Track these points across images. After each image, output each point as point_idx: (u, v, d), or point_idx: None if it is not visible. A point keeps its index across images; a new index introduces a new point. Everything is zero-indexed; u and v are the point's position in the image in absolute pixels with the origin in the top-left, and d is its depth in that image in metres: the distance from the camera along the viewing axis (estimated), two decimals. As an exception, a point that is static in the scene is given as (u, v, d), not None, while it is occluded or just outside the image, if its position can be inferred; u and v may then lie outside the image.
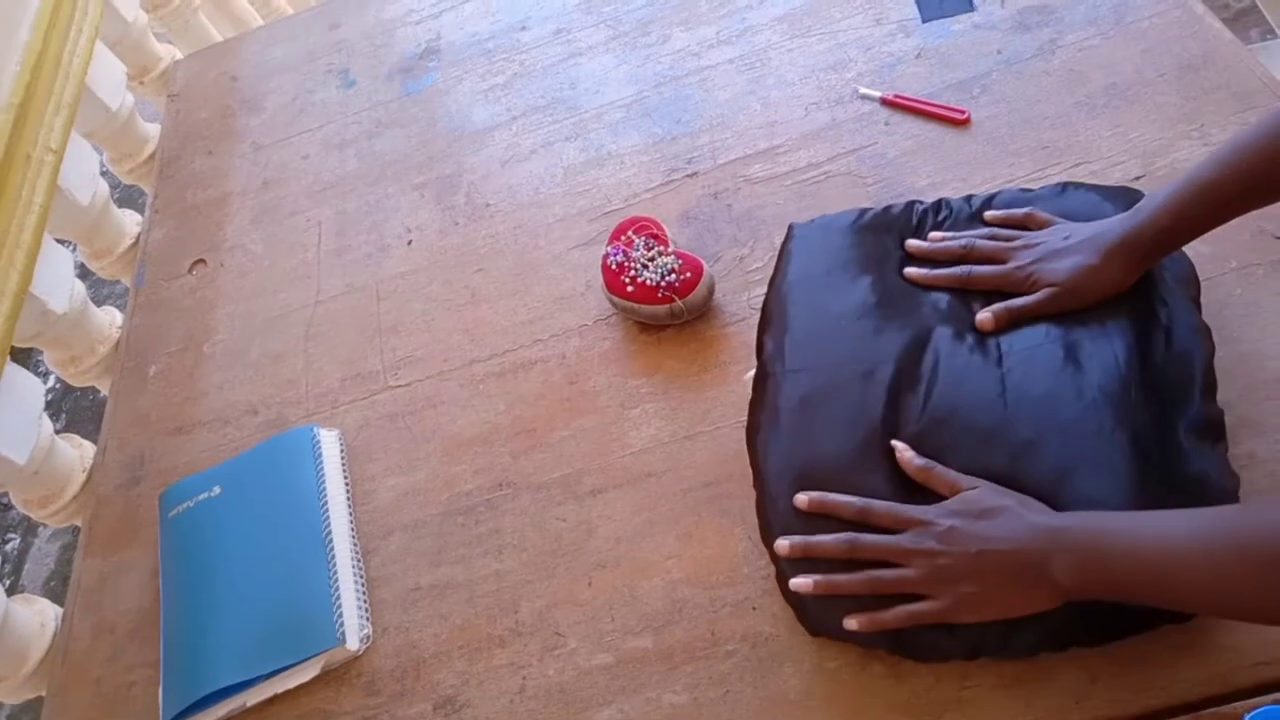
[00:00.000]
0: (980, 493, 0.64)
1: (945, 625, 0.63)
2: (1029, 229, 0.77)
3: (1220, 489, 0.63)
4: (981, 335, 0.73)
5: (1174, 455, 0.65)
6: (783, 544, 0.68)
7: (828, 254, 0.80)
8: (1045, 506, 0.63)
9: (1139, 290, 0.71)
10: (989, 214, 0.79)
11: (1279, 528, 0.51)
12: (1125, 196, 0.77)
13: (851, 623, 0.65)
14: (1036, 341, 0.71)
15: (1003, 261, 0.74)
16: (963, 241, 0.77)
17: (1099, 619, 0.61)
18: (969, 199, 0.82)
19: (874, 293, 0.77)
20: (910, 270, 0.77)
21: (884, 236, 0.81)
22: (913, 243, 0.79)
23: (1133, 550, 0.57)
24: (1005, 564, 0.60)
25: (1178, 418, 0.66)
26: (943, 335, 0.73)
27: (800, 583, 0.67)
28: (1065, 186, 0.80)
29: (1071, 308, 0.71)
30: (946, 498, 0.65)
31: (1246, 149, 0.65)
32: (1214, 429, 0.66)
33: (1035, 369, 0.69)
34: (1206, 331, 0.70)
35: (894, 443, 0.69)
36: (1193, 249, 0.80)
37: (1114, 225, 0.70)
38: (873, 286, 0.77)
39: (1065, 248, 0.72)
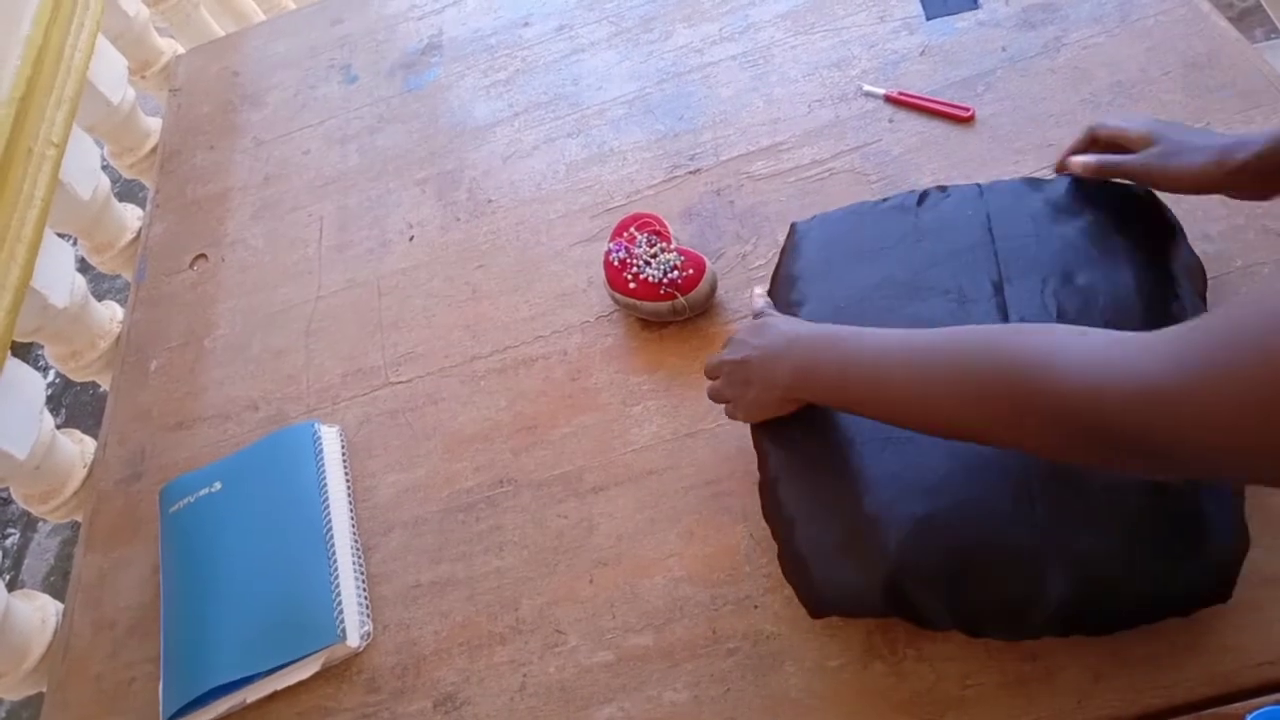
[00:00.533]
0: (765, 314, 0.74)
1: (948, 602, 0.63)
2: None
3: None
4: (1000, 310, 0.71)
5: None
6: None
7: (834, 244, 0.80)
8: (808, 323, 0.71)
9: (1154, 278, 0.70)
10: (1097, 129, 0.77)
11: (981, 343, 0.55)
12: (1126, 197, 0.76)
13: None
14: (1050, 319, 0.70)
15: (1134, 149, 0.73)
16: (1110, 130, 0.76)
17: (1102, 608, 0.61)
18: (974, 184, 0.81)
19: (885, 273, 0.76)
20: (1073, 159, 0.76)
21: (888, 221, 0.80)
22: (1076, 158, 0.77)
23: (850, 357, 0.63)
24: (756, 369, 0.69)
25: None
26: (954, 311, 0.72)
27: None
28: (1075, 181, 0.78)
29: (1154, 182, 0.72)
30: None
31: None
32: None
33: None
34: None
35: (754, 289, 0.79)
36: (1198, 247, 0.79)
37: (1230, 138, 0.69)
38: (883, 268, 0.76)
39: (1194, 147, 0.70)
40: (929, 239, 0.77)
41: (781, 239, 0.90)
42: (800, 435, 0.71)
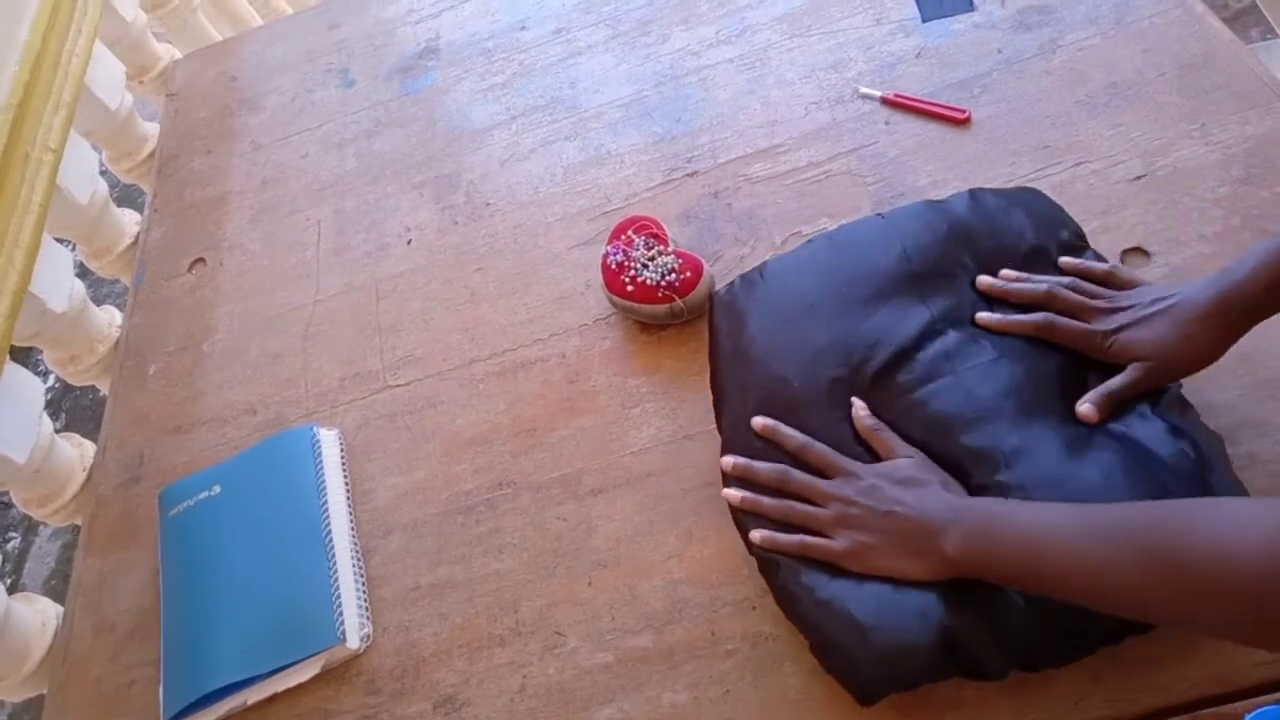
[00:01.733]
0: (911, 463, 0.69)
1: (1001, 644, 0.63)
2: (1110, 286, 0.73)
3: (1211, 452, 0.65)
4: (981, 337, 0.73)
5: (1159, 436, 0.65)
6: (727, 461, 0.74)
7: (769, 312, 0.79)
8: (963, 489, 0.67)
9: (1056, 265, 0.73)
10: (1065, 261, 0.75)
11: (1154, 524, 0.53)
12: (1026, 200, 0.79)
13: (757, 535, 0.70)
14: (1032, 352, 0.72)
15: (1086, 318, 0.71)
16: (1045, 286, 0.73)
17: (1065, 638, 0.62)
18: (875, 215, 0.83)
19: (826, 335, 0.77)
20: (982, 316, 0.74)
21: (805, 278, 0.80)
22: (985, 279, 0.76)
23: (1023, 535, 0.59)
24: (907, 529, 0.65)
25: (1153, 403, 0.68)
26: (953, 336, 0.73)
27: (730, 493, 0.73)
28: (973, 194, 0.80)
29: (1165, 382, 0.68)
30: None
31: None
32: (1179, 399, 0.68)
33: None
34: None
35: (854, 400, 0.73)
36: (1192, 249, 0.80)
37: (1204, 291, 0.66)
38: (821, 321, 0.77)
39: (1152, 315, 0.68)
40: (853, 291, 0.77)
41: (779, 241, 0.91)
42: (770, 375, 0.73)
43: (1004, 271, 0.76)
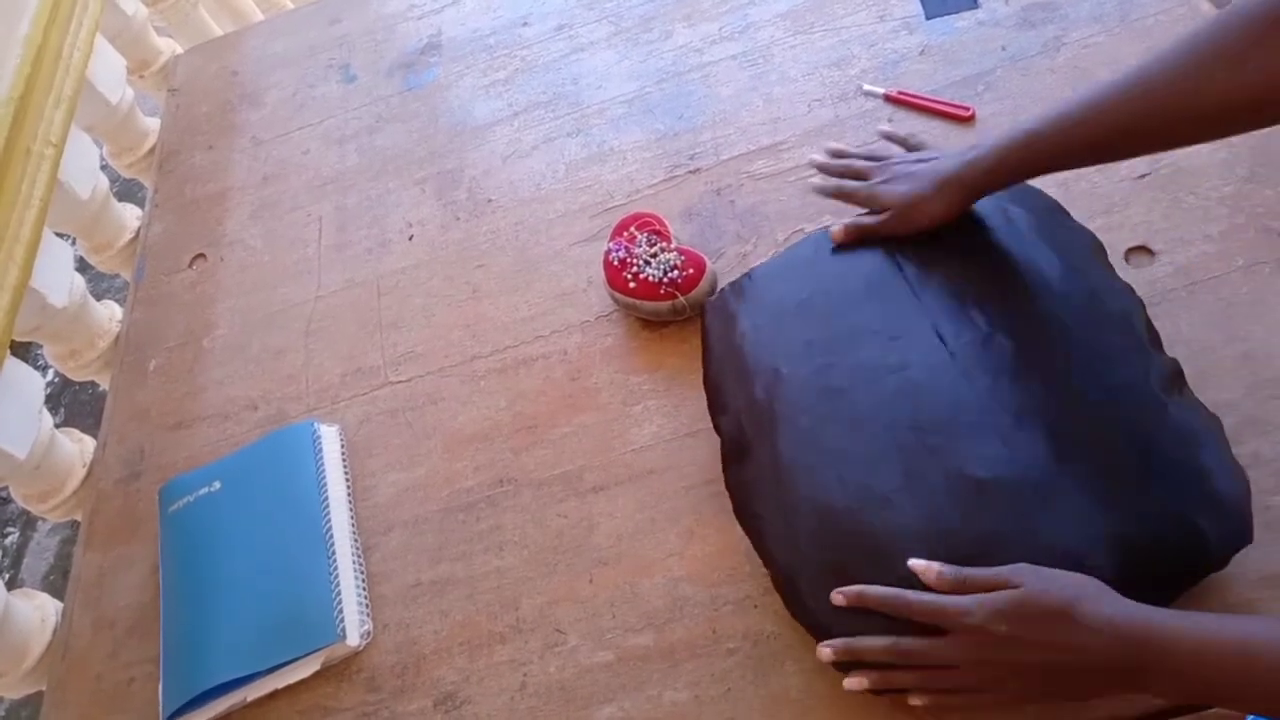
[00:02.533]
0: (1028, 592, 0.57)
1: None
2: (907, 147, 0.83)
3: (1209, 431, 0.65)
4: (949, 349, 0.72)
5: (1157, 412, 0.65)
6: (825, 651, 0.64)
7: (759, 313, 0.79)
8: (1112, 593, 0.56)
9: (1061, 258, 0.73)
10: (882, 129, 0.88)
11: None
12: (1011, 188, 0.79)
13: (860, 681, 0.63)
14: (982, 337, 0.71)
15: (867, 177, 0.81)
16: (847, 161, 0.84)
17: (1153, 574, 0.61)
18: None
19: (810, 333, 0.76)
20: (813, 181, 0.86)
21: (794, 278, 0.80)
22: (815, 158, 0.87)
23: (1234, 665, 0.51)
24: (1076, 675, 0.55)
25: (1147, 377, 0.67)
26: (889, 348, 0.73)
27: (853, 682, 0.63)
28: None
29: (902, 233, 0.76)
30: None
31: (1097, 107, 0.64)
32: (1178, 377, 0.68)
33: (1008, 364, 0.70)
34: (1130, 289, 0.72)
35: (911, 563, 0.62)
36: (1197, 248, 0.80)
37: (952, 159, 0.74)
38: (806, 327, 0.77)
39: (908, 174, 0.77)
40: (840, 285, 0.77)
41: (782, 239, 0.91)
42: (798, 525, 0.68)
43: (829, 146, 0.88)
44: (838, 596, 0.64)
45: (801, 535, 0.68)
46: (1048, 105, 0.68)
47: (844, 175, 0.83)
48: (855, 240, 0.79)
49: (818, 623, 0.67)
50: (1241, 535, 0.62)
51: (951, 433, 0.67)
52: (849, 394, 0.71)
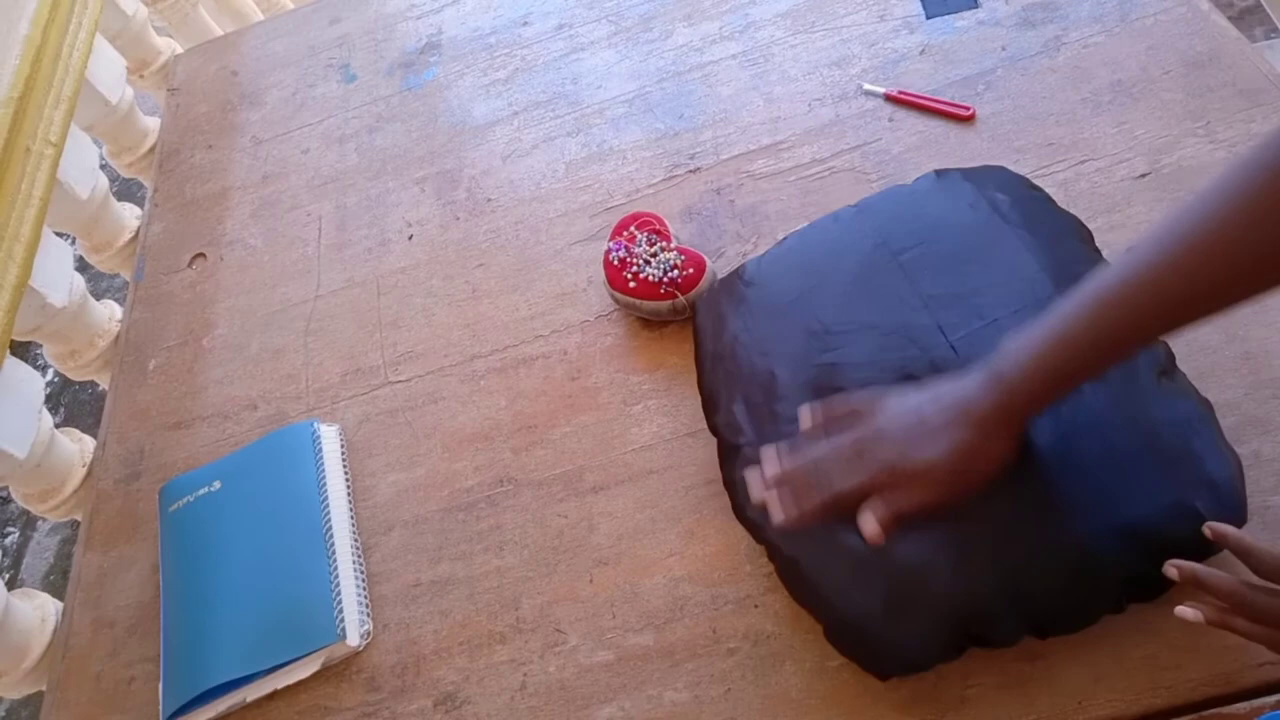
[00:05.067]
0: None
1: (1015, 613, 0.62)
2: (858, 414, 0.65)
3: (1201, 416, 0.65)
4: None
5: (1151, 397, 0.66)
6: (1171, 571, 0.58)
7: (755, 305, 0.79)
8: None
9: (1046, 236, 0.73)
10: (803, 412, 0.68)
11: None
12: (991, 176, 0.80)
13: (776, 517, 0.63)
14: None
15: (859, 461, 0.62)
16: (811, 456, 0.64)
17: (1154, 565, 0.61)
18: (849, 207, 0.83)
19: (803, 323, 0.76)
20: (774, 519, 0.64)
21: (789, 272, 0.80)
22: (766, 471, 0.66)
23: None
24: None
25: (1140, 363, 0.67)
26: (885, 343, 0.73)
27: (1187, 611, 0.57)
28: (939, 173, 0.82)
29: (959, 496, 0.60)
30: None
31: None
32: (1170, 362, 0.68)
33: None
34: None
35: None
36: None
37: (977, 395, 0.59)
38: (800, 318, 0.77)
39: (924, 431, 0.60)
40: (834, 280, 0.77)
41: (782, 238, 0.90)
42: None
43: (764, 453, 0.67)
44: (1171, 570, 0.58)
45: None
46: (1086, 285, 0.55)
47: (818, 475, 0.63)
48: (896, 529, 0.60)
49: (825, 605, 0.67)
50: (1238, 517, 0.62)
51: None
52: (849, 390, 0.71)
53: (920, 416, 0.61)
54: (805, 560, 0.68)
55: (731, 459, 0.75)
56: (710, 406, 0.78)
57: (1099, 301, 0.54)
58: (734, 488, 0.74)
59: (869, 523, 0.60)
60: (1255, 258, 0.48)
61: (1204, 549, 0.62)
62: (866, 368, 0.72)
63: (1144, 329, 0.54)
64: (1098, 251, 0.75)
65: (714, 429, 0.77)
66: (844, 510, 0.61)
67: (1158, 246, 0.51)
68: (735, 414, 0.75)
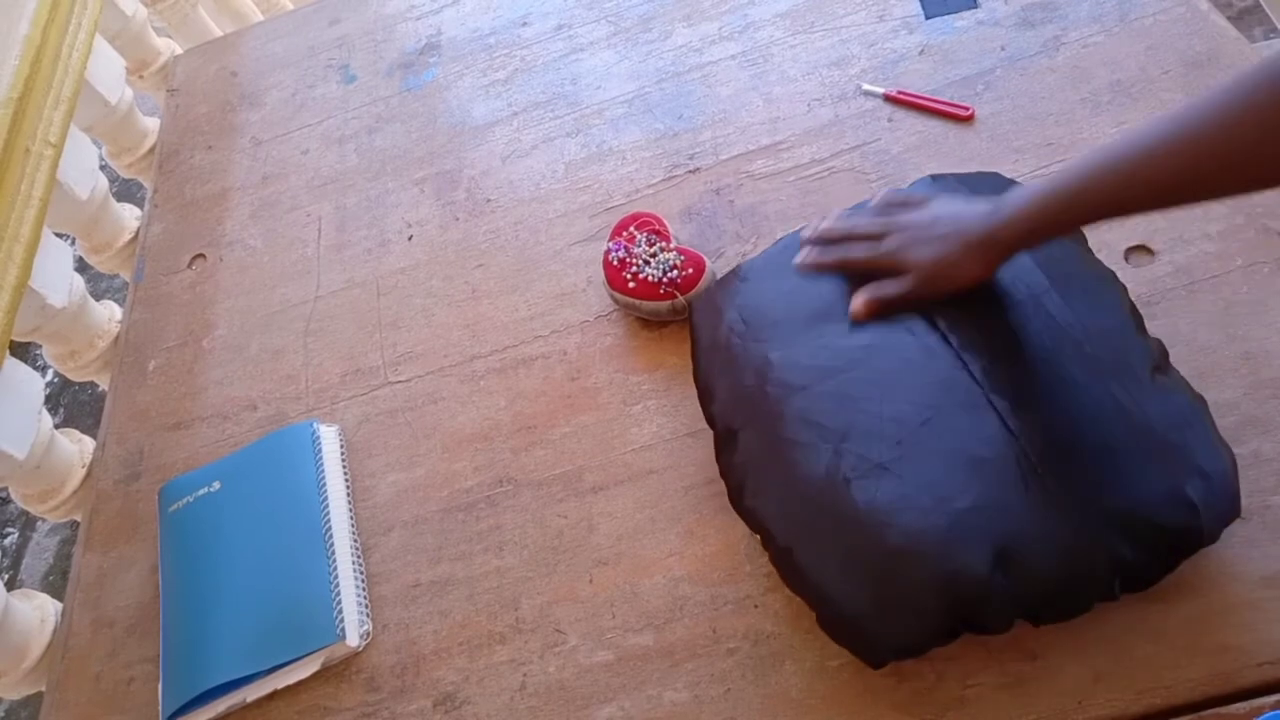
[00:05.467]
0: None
1: (1006, 598, 0.63)
2: (910, 206, 0.78)
3: (1194, 410, 0.65)
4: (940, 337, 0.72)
5: (1146, 392, 0.66)
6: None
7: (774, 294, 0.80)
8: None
9: (1048, 261, 0.73)
10: (882, 195, 0.81)
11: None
12: (986, 181, 0.79)
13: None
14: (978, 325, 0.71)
15: (877, 241, 0.76)
16: (849, 224, 0.79)
17: (1152, 558, 0.62)
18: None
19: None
20: (797, 259, 0.79)
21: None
22: (806, 232, 0.81)
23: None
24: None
25: (1134, 358, 0.67)
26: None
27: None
28: (934, 178, 0.81)
29: (930, 297, 0.72)
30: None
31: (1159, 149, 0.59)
32: (1163, 357, 0.68)
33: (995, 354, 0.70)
34: (1113, 275, 0.72)
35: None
36: (1196, 247, 0.80)
37: (978, 219, 0.70)
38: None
39: (930, 236, 0.73)
40: (830, 279, 0.78)
41: (779, 237, 0.90)
42: (794, 497, 0.69)
43: (832, 215, 0.81)
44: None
45: (797, 506, 0.68)
46: (1086, 154, 0.63)
47: (847, 240, 0.77)
48: (878, 312, 0.73)
49: (816, 592, 0.67)
50: (1231, 509, 0.62)
51: (949, 410, 0.67)
52: (843, 372, 0.71)
53: (935, 223, 0.73)
54: (798, 548, 0.68)
55: (727, 447, 0.74)
56: (706, 397, 0.78)
57: (1098, 166, 0.62)
58: (729, 476, 0.74)
59: (856, 301, 0.73)
60: (1245, 153, 0.55)
61: (1195, 538, 0.62)
62: (860, 351, 0.72)
63: (1133, 199, 0.62)
64: (1090, 250, 0.75)
65: (710, 419, 0.77)
66: (849, 274, 0.76)
67: (1158, 129, 0.58)
68: (728, 399, 0.75)
